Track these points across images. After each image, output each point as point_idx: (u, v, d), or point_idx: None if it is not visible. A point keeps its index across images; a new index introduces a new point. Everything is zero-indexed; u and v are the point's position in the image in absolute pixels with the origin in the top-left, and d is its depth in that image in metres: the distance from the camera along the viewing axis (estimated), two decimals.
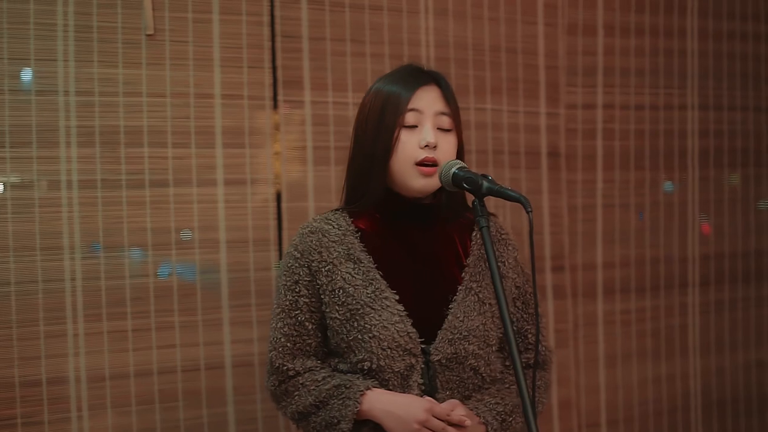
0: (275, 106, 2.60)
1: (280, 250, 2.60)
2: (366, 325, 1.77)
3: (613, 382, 3.13)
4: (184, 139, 2.50)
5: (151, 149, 2.46)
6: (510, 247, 1.95)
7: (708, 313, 3.29)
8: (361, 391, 1.77)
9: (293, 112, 2.59)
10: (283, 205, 2.62)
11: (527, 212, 1.54)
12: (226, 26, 2.54)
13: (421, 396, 1.76)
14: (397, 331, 1.76)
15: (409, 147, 1.79)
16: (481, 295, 1.84)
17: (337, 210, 1.94)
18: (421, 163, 1.78)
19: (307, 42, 2.64)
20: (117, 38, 2.41)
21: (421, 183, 1.80)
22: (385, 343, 1.76)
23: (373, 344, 1.76)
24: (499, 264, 1.90)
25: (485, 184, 1.64)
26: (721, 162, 3.31)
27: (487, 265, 1.87)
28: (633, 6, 3.15)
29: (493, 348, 1.86)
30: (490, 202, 1.87)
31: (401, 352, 1.76)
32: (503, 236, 1.96)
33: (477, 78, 2.87)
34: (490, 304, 1.85)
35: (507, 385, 1.90)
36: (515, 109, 2.94)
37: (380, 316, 1.77)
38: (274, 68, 2.60)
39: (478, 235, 1.92)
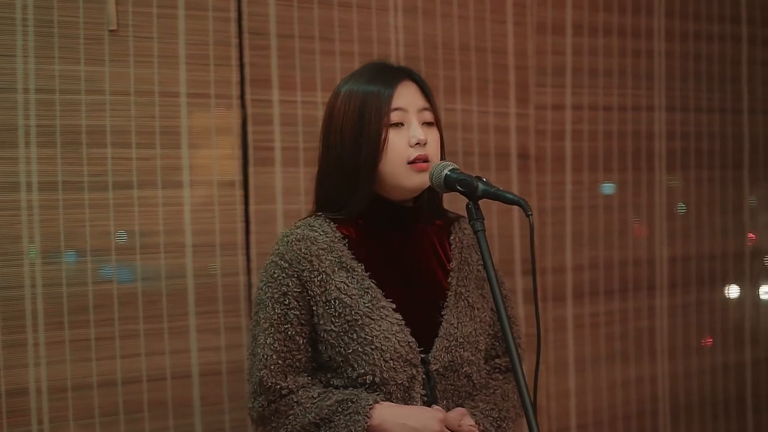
0: (243, 105, 2.64)
1: (247, 254, 2.63)
2: (366, 337, 1.76)
3: (582, 386, 3.23)
4: (148, 140, 2.51)
5: (114, 150, 2.46)
6: None
7: (675, 316, 3.42)
8: (370, 404, 1.73)
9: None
10: (251, 207, 2.65)
11: (527, 216, 1.57)
12: (192, 22, 2.55)
13: (424, 407, 1.77)
14: (398, 341, 1.76)
15: (399, 147, 1.80)
16: (470, 300, 1.88)
17: (317, 215, 1.92)
18: (413, 162, 1.80)
19: (275, 39, 2.68)
20: (79, 33, 2.41)
21: (416, 181, 1.81)
22: (388, 355, 1.75)
23: (375, 356, 1.75)
24: (479, 267, 1.94)
25: (481, 186, 1.67)
26: (688, 164, 3.45)
27: (471, 268, 1.92)
28: (601, 5, 3.26)
29: (482, 354, 1.91)
30: (453, 202, 1.94)
31: (402, 363, 1.76)
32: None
33: (447, 78, 2.95)
34: (478, 308, 1.89)
35: (492, 390, 1.94)
36: (485, 109, 3.02)
37: (380, 326, 1.76)
38: (241, 66, 2.63)
39: (456, 238, 1.96)
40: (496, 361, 2.02)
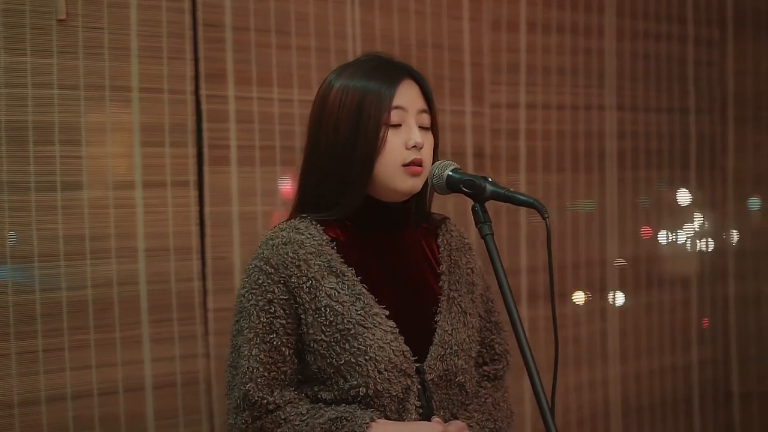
0: (197, 101, 2.61)
1: (203, 258, 2.61)
2: (360, 347, 1.72)
3: None
4: (99, 137, 2.46)
5: (62, 147, 2.41)
6: (474, 254, 2.01)
7: (626, 319, 3.55)
8: (366, 422, 1.70)
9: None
10: (206, 209, 2.63)
11: (543, 218, 1.56)
12: (145, 12, 2.51)
13: (419, 420, 1.75)
14: (393, 350, 1.73)
15: (396, 148, 1.78)
16: (463, 305, 1.87)
17: (302, 217, 1.87)
18: (408, 165, 1.78)
19: (230, 32, 2.66)
20: (25, 23, 2.33)
21: (409, 184, 1.79)
22: (382, 365, 1.72)
23: (369, 367, 1.72)
24: (468, 270, 1.95)
25: (489, 187, 1.66)
26: (637, 164, 3.58)
27: (461, 272, 1.92)
28: (554, 2, 3.35)
29: (473, 361, 1.91)
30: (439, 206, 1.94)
31: (397, 374, 1.74)
32: (466, 242, 2.00)
33: None
34: (470, 314, 1.89)
35: (484, 399, 1.95)
36: (441, 107, 3.05)
37: (373, 335, 1.73)
38: (195, 60, 2.61)
39: (444, 241, 1.95)
40: (485, 368, 2.02)
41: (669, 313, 3.65)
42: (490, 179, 1.69)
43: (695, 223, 3.72)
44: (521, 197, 1.63)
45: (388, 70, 1.84)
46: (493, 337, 2.03)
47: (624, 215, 3.54)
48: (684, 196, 3.66)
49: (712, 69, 3.73)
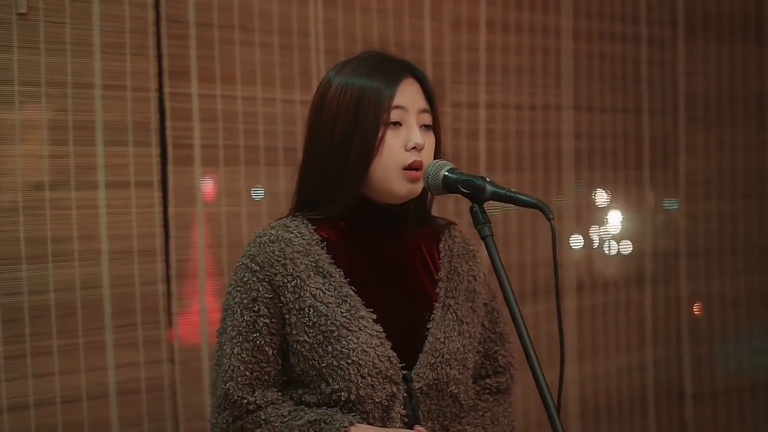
0: (161, 98, 2.62)
1: (167, 261, 2.62)
2: (342, 350, 1.72)
3: None
4: (61, 135, 2.45)
5: (23, 146, 2.40)
6: (478, 261, 1.98)
7: (583, 319, 3.66)
8: (345, 426, 1.70)
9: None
10: (170, 210, 2.64)
11: (549, 219, 1.57)
12: (107, 7, 2.50)
13: (405, 429, 1.75)
14: (378, 355, 1.73)
15: (395, 149, 1.78)
16: (459, 314, 1.86)
17: (294, 216, 1.87)
18: (408, 168, 1.78)
19: (194, 28, 2.67)
20: None
21: (406, 188, 1.80)
22: (365, 370, 1.72)
23: (351, 371, 1.72)
24: (469, 278, 1.93)
25: (488, 187, 1.66)
26: (593, 164, 3.69)
27: (461, 279, 1.91)
28: (513, 2, 3.44)
29: (470, 372, 1.89)
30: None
31: (381, 380, 1.74)
32: (470, 248, 1.99)
33: None
34: (467, 323, 1.87)
35: (482, 413, 1.93)
36: None
37: (358, 338, 1.73)
38: (159, 56, 2.62)
39: (446, 246, 1.94)
40: (487, 381, 2.01)
41: (624, 313, 3.77)
42: (488, 179, 1.70)
43: (647, 223, 3.85)
44: (524, 198, 1.64)
45: (388, 68, 1.83)
46: (497, 348, 2.01)
47: (581, 215, 3.65)
48: (603, 198, 3.79)
49: (664, 69, 3.86)
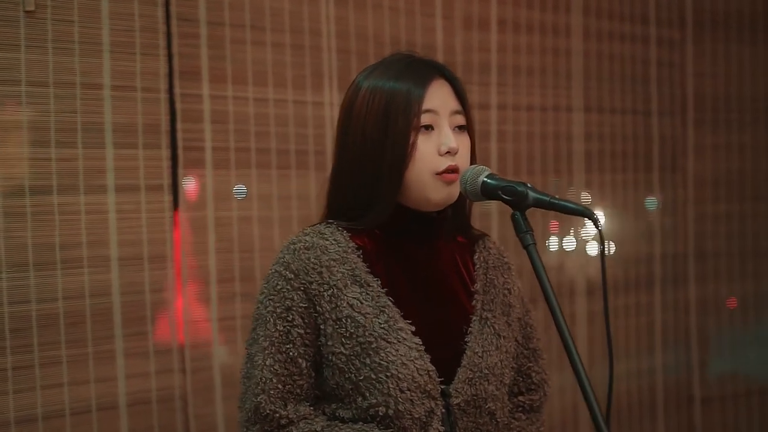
0: (171, 99, 2.55)
1: (178, 267, 2.55)
2: (381, 362, 1.65)
3: None
4: (69, 137, 2.37)
5: (31, 149, 2.32)
6: (513, 274, 1.92)
7: (594, 324, 3.60)
8: None
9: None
10: (181, 214, 2.56)
11: (597, 228, 1.51)
12: (117, 4, 2.42)
13: None
14: (417, 368, 1.66)
15: (427, 155, 1.71)
16: (496, 327, 1.80)
17: (328, 223, 1.79)
18: (442, 172, 1.71)
19: (205, 27, 2.60)
20: None
21: (443, 194, 1.73)
22: (405, 384, 1.65)
23: (390, 385, 1.65)
24: (504, 291, 1.86)
25: (531, 194, 1.60)
26: (603, 166, 3.64)
27: (497, 291, 1.84)
28: (523, 1, 3.38)
29: (506, 388, 1.82)
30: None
31: (420, 395, 1.67)
32: (505, 261, 1.92)
33: None
34: (504, 337, 1.81)
35: None
36: None
37: (397, 350, 1.66)
38: (169, 56, 2.54)
39: (481, 258, 1.88)
40: (520, 398, 1.94)
41: (634, 316, 3.72)
42: (529, 185, 1.63)
43: (656, 226, 3.80)
44: (570, 205, 1.57)
45: (417, 70, 1.75)
46: (531, 364, 1.94)
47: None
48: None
49: (673, 70, 3.81)
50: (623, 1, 3.66)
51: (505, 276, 1.89)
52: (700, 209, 3.89)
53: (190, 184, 2.57)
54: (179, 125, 2.55)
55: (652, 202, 3.79)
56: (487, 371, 1.75)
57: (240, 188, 2.67)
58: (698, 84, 3.87)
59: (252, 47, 2.68)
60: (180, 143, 2.55)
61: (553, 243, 3.50)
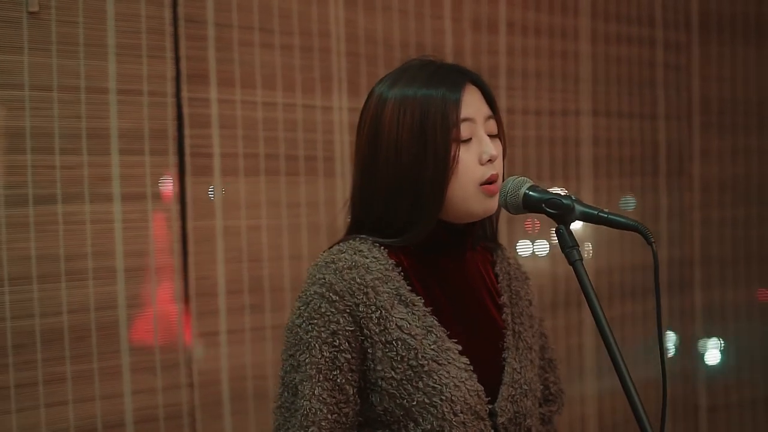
0: (178, 104, 2.45)
1: (185, 279, 2.45)
2: (435, 385, 1.59)
3: None
4: (74, 144, 2.27)
5: (35, 156, 2.22)
6: (531, 285, 1.88)
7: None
8: None
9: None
10: (189, 224, 2.47)
11: (649, 244, 1.46)
12: (122, 5, 2.33)
13: None
14: (468, 390, 1.60)
15: (470, 166, 1.64)
16: (528, 341, 1.76)
17: (362, 238, 1.70)
18: (486, 183, 1.65)
19: (212, 28, 2.51)
20: None
21: (486, 206, 1.67)
22: (458, 407, 1.59)
23: (444, 409, 1.58)
24: (526, 302, 1.82)
25: (578, 207, 1.53)
26: (611, 171, 3.57)
27: (522, 303, 1.80)
28: (532, 3, 3.31)
29: (538, 402, 1.79)
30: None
31: (471, 416, 1.61)
32: (523, 272, 1.88)
33: None
34: (534, 350, 1.77)
35: None
36: None
37: (449, 372, 1.60)
38: (176, 58, 2.45)
39: (502, 269, 1.82)
40: (540, 410, 1.89)
41: (642, 324, 3.66)
42: (574, 197, 1.56)
43: (663, 231, 3.74)
44: (621, 220, 1.50)
45: (446, 78, 1.68)
46: (548, 375, 1.91)
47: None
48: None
49: (679, 73, 3.75)
50: (630, 3, 3.60)
51: (526, 287, 1.85)
52: (706, 214, 3.83)
53: (198, 192, 2.47)
54: (186, 131, 2.45)
55: (627, 201, 3.70)
56: (526, 387, 1.70)
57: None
58: (704, 87, 3.81)
59: (260, 50, 2.60)
60: (187, 149, 2.45)
61: (524, 246, 3.40)
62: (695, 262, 3.82)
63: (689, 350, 3.81)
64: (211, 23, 2.50)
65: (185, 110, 2.45)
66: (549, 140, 3.36)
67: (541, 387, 1.89)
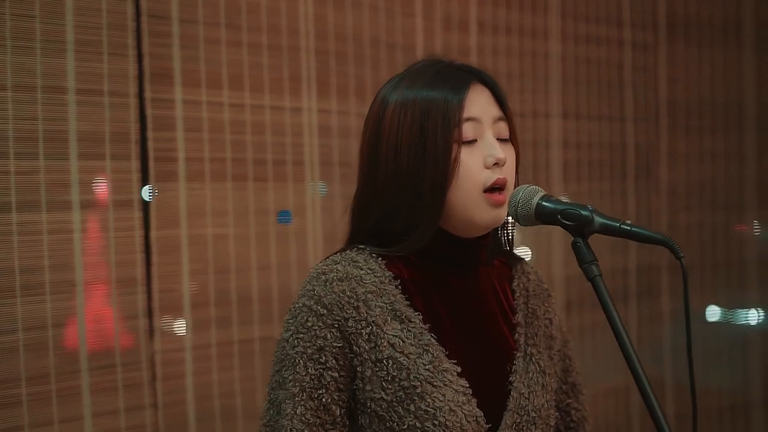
0: (141, 105, 2.32)
1: (149, 292, 2.32)
2: (428, 409, 1.49)
3: None
4: (30, 148, 2.13)
5: None
6: (553, 302, 1.76)
7: (584, 336, 3.47)
8: None
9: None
10: (152, 233, 2.33)
11: (678, 258, 1.38)
12: None
13: None
14: (465, 415, 1.50)
15: (473, 169, 1.52)
16: (541, 364, 1.64)
17: (359, 248, 1.59)
18: (490, 189, 1.52)
19: (177, 25, 2.38)
20: None
21: (491, 216, 1.54)
22: None
23: None
24: (546, 321, 1.70)
25: (597, 219, 1.42)
26: (580, 175, 3.51)
27: (539, 323, 1.68)
28: (503, 1, 3.23)
29: (552, 431, 1.67)
30: None
31: None
32: (545, 288, 1.76)
33: (358, 78, 2.77)
34: (549, 374, 1.65)
35: None
36: None
37: (444, 395, 1.50)
38: (139, 56, 2.31)
39: (520, 285, 1.70)
40: None
41: (611, 331, 3.60)
42: (591, 207, 1.46)
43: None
44: (646, 233, 1.42)
45: (451, 76, 1.57)
46: (570, 401, 1.78)
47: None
48: None
49: (647, 74, 3.71)
50: (599, 3, 3.54)
51: (546, 305, 1.72)
52: (672, 218, 3.80)
53: (162, 200, 2.34)
54: (150, 133, 2.32)
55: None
56: (534, 414, 1.58)
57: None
58: (671, 89, 3.78)
59: (227, 48, 2.48)
60: (151, 153, 2.32)
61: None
62: (662, 267, 3.79)
63: (659, 358, 3.77)
64: (175, 19, 2.37)
65: (148, 111, 2.32)
66: (519, 143, 3.27)
67: (562, 414, 1.78)
